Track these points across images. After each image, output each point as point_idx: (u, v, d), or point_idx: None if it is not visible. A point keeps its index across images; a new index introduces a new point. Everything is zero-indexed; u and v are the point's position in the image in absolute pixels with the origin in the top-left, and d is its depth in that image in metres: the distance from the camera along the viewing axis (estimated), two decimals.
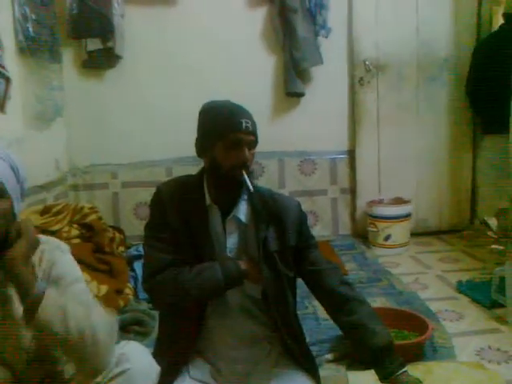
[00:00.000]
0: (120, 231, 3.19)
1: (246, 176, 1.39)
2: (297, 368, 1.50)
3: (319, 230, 3.84)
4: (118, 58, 3.57)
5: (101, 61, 3.55)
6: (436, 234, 3.99)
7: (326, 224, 3.96)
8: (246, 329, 1.51)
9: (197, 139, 1.48)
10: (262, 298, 1.48)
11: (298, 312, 1.63)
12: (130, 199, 3.71)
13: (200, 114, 1.48)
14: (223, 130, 1.38)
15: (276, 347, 1.53)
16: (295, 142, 3.83)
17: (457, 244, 3.76)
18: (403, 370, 1.38)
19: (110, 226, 3.16)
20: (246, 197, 1.49)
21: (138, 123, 3.68)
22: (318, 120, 3.82)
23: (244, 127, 1.38)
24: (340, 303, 1.49)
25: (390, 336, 1.44)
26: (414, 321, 2.16)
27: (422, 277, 3.07)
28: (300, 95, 3.76)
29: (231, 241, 1.48)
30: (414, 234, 3.85)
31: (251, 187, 1.41)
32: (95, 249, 2.71)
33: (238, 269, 1.41)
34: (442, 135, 3.98)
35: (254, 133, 1.42)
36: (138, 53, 3.60)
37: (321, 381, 1.57)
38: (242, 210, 1.48)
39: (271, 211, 1.49)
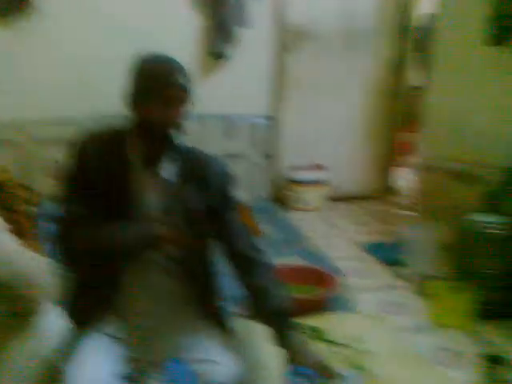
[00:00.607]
0: (30, 189, 3.04)
1: (176, 134, 1.36)
2: (211, 324, 1.53)
3: (238, 193, 3.87)
4: (28, 3, 3.33)
5: (9, 6, 3.30)
6: (352, 199, 4.17)
7: (245, 187, 4.00)
8: (163, 286, 1.50)
9: (127, 93, 1.41)
10: (181, 257, 1.48)
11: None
12: (41, 156, 3.52)
13: (134, 66, 1.41)
14: (158, 86, 1.32)
15: (192, 304, 1.55)
16: (218, 105, 3.79)
17: (370, 209, 3.97)
18: (296, 336, 1.40)
19: (20, 185, 3.00)
20: (173, 155, 1.46)
21: (50, 75, 3.46)
22: (242, 83, 3.80)
23: (180, 84, 1.33)
24: (247, 266, 1.50)
25: (288, 303, 1.46)
26: (322, 277, 2.28)
27: (335, 238, 3.22)
28: (224, 56, 3.72)
29: (154, 200, 1.43)
30: (330, 199, 4.00)
31: (181, 146, 1.38)
32: (3, 207, 2.57)
33: (155, 231, 1.37)
34: (364, 104, 4.13)
35: (189, 90, 1.37)
36: None
37: (233, 335, 1.61)
38: (168, 169, 1.44)
39: (198, 171, 1.47)
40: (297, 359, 1.33)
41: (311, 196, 3.80)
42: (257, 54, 3.83)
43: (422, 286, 2.37)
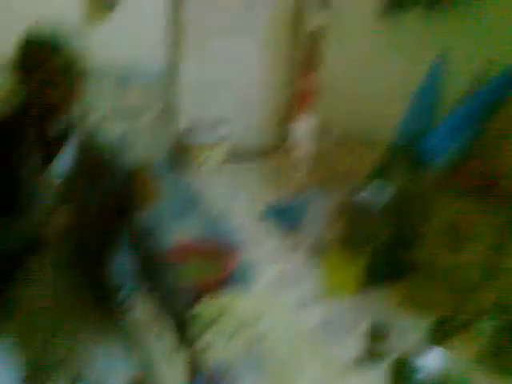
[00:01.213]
0: None
1: (60, 125, 1.22)
2: (108, 322, 1.49)
3: (135, 153, 3.70)
4: None
5: None
6: (252, 154, 4.19)
7: (142, 145, 3.83)
8: (57, 283, 1.41)
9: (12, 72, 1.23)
10: (76, 256, 1.38)
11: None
12: None
13: (17, 45, 1.21)
14: (35, 64, 1.16)
15: (89, 300, 1.49)
16: (110, 56, 3.51)
17: (269, 167, 4.01)
18: (194, 346, 1.39)
19: None
20: (67, 144, 1.29)
21: None
22: (134, 31, 3.53)
23: (58, 62, 1.17)
24: (148, 271, 1.45)
25: (185, 315, 1.43)
26: (221, 251, 2.29)
27: (234, 201, 3.24)
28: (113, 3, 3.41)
29: (45, 192, 1.29)
30: (231, 156, 3.98)
31: (78, 133, 1.24)
32: None
33: (42, 231, 1.27)
34: (265, 56, 4.06)
35: (70, 68, 1.20)
36: None
37: (130, 333, 1.60)
38: (63, 159, 1.29)
39: (97, 165, 1.34)
40: (190, 370, 1.33)
41: (211, 154, 3.75)
42: None
43: (316, 254, 2.48)
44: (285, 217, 2.89)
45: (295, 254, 2.59)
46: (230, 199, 3.29)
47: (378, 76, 2.76)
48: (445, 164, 2.06)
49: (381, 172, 2.34)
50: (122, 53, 3.54)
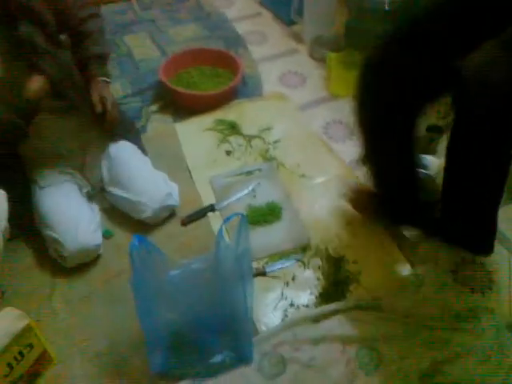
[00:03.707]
0: None
1: None
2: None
3: None
4: None
5: None
6: None
7: None
8: (64, 125, 1.61)
9: None
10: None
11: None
12: None
13: None
14: None
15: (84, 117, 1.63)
16: None
17: None
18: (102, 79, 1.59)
19: None
20: None
21: None
22: None
23: None
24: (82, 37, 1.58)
25: (107, 51, 1.64)
26: (225, 58, 2.29)
27: None
28: None
29: None
30: None
31: None
32: None
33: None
34: None
35: None
36: None
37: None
38: None
39: None
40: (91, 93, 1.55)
41: None
42: None
43: (318, 51, 2.45)
44: (285, 5, 2.69)
45: (297, 48, 2.55)
46: None
47: None
48: None
49: None
50: None
